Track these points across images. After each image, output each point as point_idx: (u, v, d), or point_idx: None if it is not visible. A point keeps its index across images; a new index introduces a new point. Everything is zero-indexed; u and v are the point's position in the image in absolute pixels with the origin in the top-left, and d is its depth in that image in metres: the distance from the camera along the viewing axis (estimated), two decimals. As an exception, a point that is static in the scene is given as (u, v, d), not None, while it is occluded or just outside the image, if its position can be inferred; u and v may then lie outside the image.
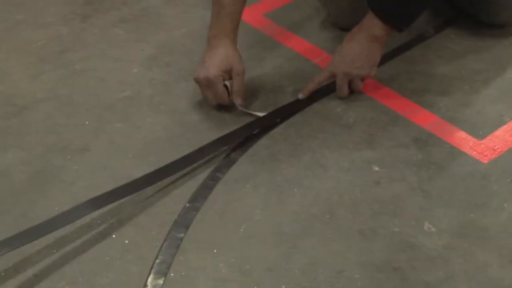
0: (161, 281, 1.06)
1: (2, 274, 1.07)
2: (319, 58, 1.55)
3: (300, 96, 1.41)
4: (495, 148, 1.29)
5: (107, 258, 1.10)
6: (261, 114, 1.37)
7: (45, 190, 1.23)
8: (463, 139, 1.32)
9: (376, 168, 1.26)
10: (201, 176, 1.25)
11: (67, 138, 1.34)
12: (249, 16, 1.71)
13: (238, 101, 1.36)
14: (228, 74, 1.34)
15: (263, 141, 1.33)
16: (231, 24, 1.34)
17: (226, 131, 1.34)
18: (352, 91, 1.41)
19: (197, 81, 1.36)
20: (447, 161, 1.27)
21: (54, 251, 1.11)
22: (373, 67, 1.38)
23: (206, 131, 1.35)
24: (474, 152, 1.29)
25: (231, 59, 1.34)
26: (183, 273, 1.07)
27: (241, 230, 1.14)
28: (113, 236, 1.14)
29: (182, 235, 1.13)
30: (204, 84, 1.34)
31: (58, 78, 1.52)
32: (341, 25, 1.62)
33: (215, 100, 1.36)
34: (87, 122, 1.38)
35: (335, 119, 1.37)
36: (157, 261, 1.09)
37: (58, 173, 1.26)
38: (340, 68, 1.38)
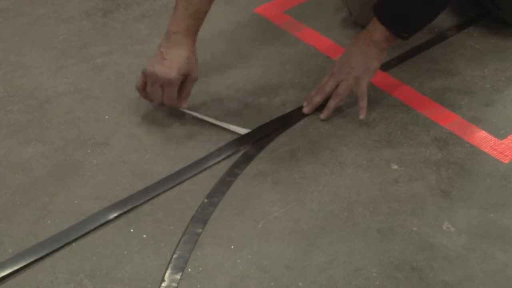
0: (178, 276, 1.06)
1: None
2: (339, 55, 1.54)
3: (306, 111, 1.38)
4: (516, 148, 1.28)
5: (125, 252, 1.10)
6: (208, 119, 1.35)
7: (65, 184, 1.24)
8: (483, 139, 1.30)
9: (395, 167, 1.25)
10: (220, 172, 1.25)
11: (87, 132, 1.35)
12: (269, 12, 1.71)
13: (184, 105, 1.34)
14: (183, 77, 1.30)
15: (282, 138, 1.33)
16: (196, 23, 1.29)
17: (244, 127, 1.34)
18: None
19: (150, 75, 1.29)
20: (467, 161, 1.26)
21: (73, 244, 1.12)
22: (367, 72, 1.33)
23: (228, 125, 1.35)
24: (495, 152, 1.27)
25: (192, 65, 1.30)
26: (200, 269, 1.07)
27: (259, 226, 1.14)
28: (131, 230, 1.14)
29: (200, 230, 1.14)
30: (160, 82, 1.28)
31: (79, 72, 1.53)
32: (362, 24, 1.61)
33: (162, 99, 1.31)
34: (107, 117, 1.39)
35: (354, 117, 1.36)
36: (175, 256, 1.09)
37: (78, 166, 1.27)
38: (335, 66, 1.36)
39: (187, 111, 1.36)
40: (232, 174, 1.25)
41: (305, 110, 1.37)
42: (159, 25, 1.69)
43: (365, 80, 1.33)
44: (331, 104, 1.35)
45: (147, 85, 1.31)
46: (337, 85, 1.34)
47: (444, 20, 1.63)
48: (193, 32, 1.30)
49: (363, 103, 1.33)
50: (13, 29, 1.69)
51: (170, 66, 1.27)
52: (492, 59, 1.51)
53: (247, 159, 1.28)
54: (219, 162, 1.27)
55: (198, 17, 1.29)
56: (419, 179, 1.22)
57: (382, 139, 1.31)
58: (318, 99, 1.36)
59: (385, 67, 1.47)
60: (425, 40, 1.57)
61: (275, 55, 1.55)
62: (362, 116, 1.33)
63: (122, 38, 1.65)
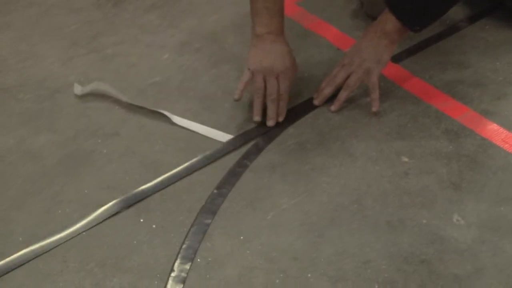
0: (187, 266, 1.06)
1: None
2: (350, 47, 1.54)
3: (316, 102, 1.37)
4: (528, 141, 1.27)
5: (135, 242, 1.11)
6: (194, 127, 1.33)
7: (75, 173, 1.24)
8: (495, 132, 1.30)
9: (405, 159, 1.25)
10: (229, 163, 1.25)
11: (98, 122, 1.36)
12: (280, 3, 1.70)
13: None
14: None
15: (291, 130, 1.32)
16: (282, 20, 1.31)
17: (254, 119, 1.34)
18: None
19: (266, 68, 1.28)
20: (478, 154, 1.25)
21: (84, 233, 1.12)
22: (378, 63, 1.32)
23: (236, 118, 1.35)
24: (506, 145, 1.27)
25: (294, 59, 1.33)
26: (209, 259, 1.08)
27: (268, 218, 1.14)
28: (141, 220, 1.15)
29: (209, 221, 1.14)
30: (275, 73, 1.28)
31: (90, 62, 1.53)
32: (374, 15, 1.60)
33: (276, 93, 1.30)
34: (117, 107, 1.39)
35: (364, 108, 1.36)
36: (184, 246, 1.10)
37: (88, 156, 1.28)
38: (345, 58, 1.36)
39: (179, 118, 1.35)
40: (241, 165, 1.25)
41: (316, 102, 1.37)
42: (169, 16, 1.69)
43: (376, 71, 1.33)
44: (342, 95, 1.35)
45: (258, 81, 1.30)
46: (348, 77, 1.34)
47: (456, 12, 1.62)
48: (282, 28, 1.32)
49: (375, 95, 1.33)
50: (24, 19, 1.70)
51: (282, 58, 1.29)
52: (504, 52, 1.50)
53: (256, 150, 1.28)
54: (228, 153, 1.27)
55: (281, 13, 1.31)
56: (429, 172, 1.22)
57: (392, 131, 1.31)
58: (328, 90, 1.36)
59: (396, 59, 1.46)
60: (437, 32, 1.56)
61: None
62: (374, 108, 1.33)
63: (133, 28, 1.65)
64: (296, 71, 1.34)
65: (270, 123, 1.31)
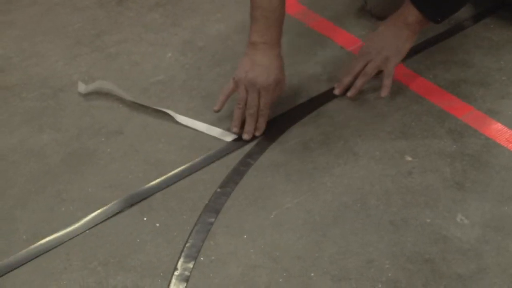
0: (191, 265, 1.06)
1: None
2: (354, 46, 1.54)
3: (337, 92, 1.39)
4: (532, 141, 1.27)
5: (138, 241, 1.11)
6: (198, 126, 1.33)
7: (79, 172, 1.24)
8: (499, 131, 1.29)
9: (409, 158, 1.25)
10: (233, 161, 1.25)
11: (101, 121, 1.36)
12: (284, 2, 1.70)
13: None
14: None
15: (295, 129, 1.32)
16: (280, 31, 1.28)
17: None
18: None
19: (249, 81, 1.26)
20: (482, 153, 1.25)
21: (87, 232, 1.12)
22: (398, 53, 1.34)
23: (239, 117, 1.35)
24: (510, 144, 1.26)
25: (283, 76, 1.30)
26: (213, 258, 1.08)
27: (272, 217, 1.14)
28: (144, 219, 1.15)
29: (213, 220, 1.14)
30: (258, 87, 1.26)
31: (93, 61, 1.53)
32: (378, 14, 1.61)
33: (255, 107, 1.28)
34: (120, 106, 1.40)
35: (368, 108, 1.36)
36: (188, 245, 1.10)
37: (91, 155, 1.28)
38: (365, 47, 1.38)
39: (182, 117, 1.35)
40: (245, 164, 1.25)
41: (336, 91, 1.39)
42: (173, 14, 1.69)
43: (394, 61, 1.34)
44: (359, 83, 1.36)
45: (240, 92, 1.28)
46: (366, 65, 1.36)
47: (460, 11, 1.61)
48: (278, 39, 1.29)
49: (388, 81, 1.34)
50: (28, 18, 1.70)
51: (267, 73, 1.26)
52: (508, 51, 1.50)
53: (260, 149, 1.28)
54: (232, 152, 1.27)
55: (279, 24, 1.28)
56: (433, 171, 1.21)
57: (396, 130, 1.31)
58: (348, 79, 1.38)
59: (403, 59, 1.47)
60: (441, 31, 1.56)
61: (289, 45, 1.54)
62: (383, 94, 1.34)
63: (136, 27, 1.65)
64: (283, 88, 1.31)
65: (245, 136, 1.29)
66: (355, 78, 1.37)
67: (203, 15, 1.68)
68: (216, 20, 1.66)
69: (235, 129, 1.30)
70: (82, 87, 1.42)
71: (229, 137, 1.30)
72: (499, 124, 1.31)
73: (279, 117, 1.34)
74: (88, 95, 1.42)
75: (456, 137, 1.28)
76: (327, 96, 1.40)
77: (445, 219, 1.13)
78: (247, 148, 1.28)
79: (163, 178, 1.22)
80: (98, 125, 1.35)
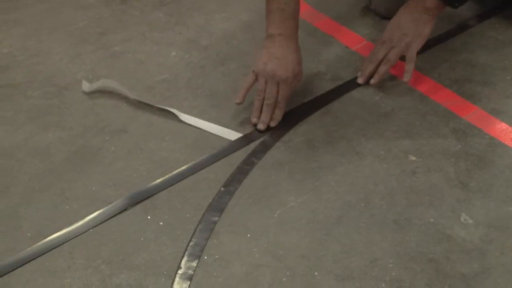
0: (194, 264, 1.06)
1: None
2: (358, 45, 1.54)
3: (360, 81, 1.41)
4: (536, 140, 1.27)
5: (142, 239, 1.11)
6: (203, 125, 1.33)
7: (83, 170, 1.24)
8: (503, 131, 1.29)
9: (413, 158, 1.24)
10: (237, 160, 1.25)
11: (106, 119, 1.36)
12: (288, 1, 1.70)
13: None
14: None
15: (299, 128, 1.32)
16: (296, 23, 1.30)
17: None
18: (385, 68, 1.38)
19: (269, 73, 1.28)
20: (486, 153, 1.25)
21: (91, 230, 1.13)
22: (419, 37, 1.35)
23: (244, 116, 1.35)
24: (515, 144, 1.26)
25: (300, 68, 1.32)
26: (216, 257, 1.08)
27: (275, 215, 1.14)
28: (148, 217, 1.15)
29: (216, 218, 1.14)
30: (277, 79, 1.28)
31: (98, 59, 1.53)
32: (382, 13, 1.60)
33: (273, 98, 1.30)
34: (125, 104, 1.40)
35: (372, 107, 1.36)
36: (191, 243, 1.10)
37: (96, 153, 1.28)
38: (385, 34, 1.38)
39: (187, 116, 1.35)
40: (249, 163, 1.25)
41: (360, 80, 1.41)
42: (177, 13, 1.69)
43: (416, 45, 1.35)
44: (382, 69, 1.38)
45: (260, 83, 1.30)
46: (388, 52, 1.37)
47: (465, 10, 1.61)
48: (295, 32, 1.31)
49: (410, 66, 1.35)
50: (33, 16, 1.70)
51: (285, 66, 1.28)
52: (513, 50, 1.50)
53: (264, 148, 1.28)
54: (236, 150, 1.27)
55: (295, 16, 1.30)
56: (437, 171, 1.21)
57: (400, 129, 1.30)
58: (370, 68, 1.39)
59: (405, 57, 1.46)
60: (446, 30, 1.56)
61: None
62: (406, 79, 1.36)
63: (141, 25, 1.65)
64: (299, 81, 1.33)
65: (260, 126, 1.31)
66: (378, 66, 1.39)
67: (208, 14, 1.68)
68: (220, 19, 1.66)
69: (255, 120, 1.32)
70: (86, 86, 1.42)
71: (233, 136, 1.30)
72: (504, 124, 1.31)
73: (284, 116, 1.34)
74: (92, 94, 1.42)
75: (460, 136, 1.28)
76: (332, 95, 1.40)
77: (449, 219, 1.13)
78: (251, 147, 1.28)
79: (167, 176, 1.22)
80: (102, 123, 1.35)
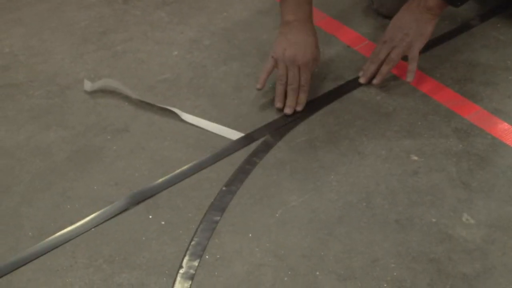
0: (196, 263, 1.06)
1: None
2: (360, 44, 1.54)
3: (362, 80, 1.41)
4: (538, 140, 1.27)
5: (144, 238, 1.11)
6: (204, 125, 1.34)
7: (85, 169, 1.24)
8: (505, 131, 1.29)
9: (415, 158, 1.24)
10: (238, 160, 1.25)
11: (107, 119, 1.36)
12: (290, 0, 1.70)
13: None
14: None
15: (301, 127, 1.32)
16: (311, 8, 1.34)
17: (266, 116, 1.34)
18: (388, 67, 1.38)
19: (289, 58, 1.31)
20: (488, 153, 1.25)
21: (93, 229, 1.13)
22: (421, 37, 1.35)
23: (245, 115, 1.35)
24: (517, 144, 1.26)
25: (318, 51, 1.35)
26: (218, 256, 1.08)
27: (277, 215, 1.14)
28: (150, 217, 1.15)
29: (218, 218, 1.14)
30: (298, 64, 1.31)
31: (100, 59, 1.53)
32: (384, 13, 1.60)
33: (297, 82, 1.33)
34: (127, 103, 1.40)
35: (374, 107, 1.36)
36: (193, 243, 1.10)
37: (97, 152, 1.28)
38: (387, 33, 1.38)
39: (188, 116, 1.35)
40: (250, 163, 1.25)
41: (362, 80, 1.41)
42: (180, 13, 1.69)
43: (418, 45, 1.35)
44: (384, 69, 1.38)
45: (281, 68, 1.33)
46: (390, 52, 1.37)
47: (467, 9, 1.61)
48: (310, 16, 1.34)
49: (412, 66, 1.35)
50: (35, 15, 1.70)
51: (304, 50, 1.31)
52: (515, 50, 1.49)
53: (266, 147, 1.28)
54: (237, 150, 1.27)
55: (309, 1, 1.34)
56: (439, 171, 1.21)
57: (402, 129, 1.30)
58: (373, 68, 1.40)
59: (407, 57, 1.46)
60: (447, 30, 1.56)
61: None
62: (409, 79, 1.36)
63: (143, 25, 1.65)
64: (318, 63, 1.36)
65: (287, 110, 1.34)
66: (380, 66, 1.39)
67: (209, 13, 1.68)
68: (222, 18, 1.66)
69: (279, 104, 1.34)
70: (88, 85, 1.42)
71: (234, 136, 1.30)
72: (506, 124, 1.30)
73: (285, 116, 1.34)
74: (94, 93, 1.42)
75: (462, 136, 1.28)
76: (333, 95, 1.39)
77: (451, 219, 1.12)
78: (253, 146, 1.28)
79: (168, 176, 1.22)
80: (104, 122, 1.35)
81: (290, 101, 1.34)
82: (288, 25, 1.33)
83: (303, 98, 1.34)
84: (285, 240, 1.10)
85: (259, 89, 1.35)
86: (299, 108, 1.34)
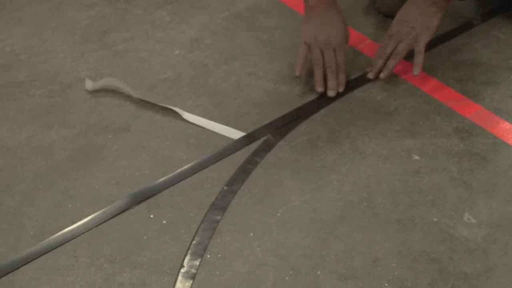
0: (197, 262, 1.07)
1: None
2: (361, 44, 1.54)
3: (371, 76, 1.42)
4: (540, 140, 1.27)
5: (145, 238, 1.11)
6: (205, 124, 1.33)
7: (86, 168, 1.25)
8: (507, 130, 1.29)
9: (416, 157, 1.24)
10: (240, 159, 1.25)
11: (109, 118, 1.36)
12: (291, 0, 1.70)
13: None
14: None
15: (302, 127, 1.32)
16: None
17: (267, 115, 1.34)
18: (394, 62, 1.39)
19: (322, 41, 1.33)
20: (489, 152, 1.24)
21: (94, 228, 1.13)
22: (427, 30, 1.35)
23: (247, 115, 1.35)
24: (518, 144, 1.26)
25: (348, 31, 1.37)
26: (219, 255, 1.08)
27: (278, 214, 1.14)
28: (151, 216, 1.15)
29: (219, 217, 1.14)
30: (333, 45, 1.34)
31: (101, 58, 1.54)
32: (385, 11, 1.60)
33: (334, 64, 1.35)
34: (128, 103, 1.40)
35: (375, 106, 1.36)
36: (194, 242, 1.10)
37: (99, 152, 1.28)
38: (393, 28, 1.38)
39: (189, 115, 1.35)
40: (252, 162, 1.25)
41: (370, 75, 1.42)
42: (181, 12, 1.69)
43: (424, 38, 1.35)
44: (391, 63, 1.38)
45: (316, 53, 1.35)
46: (396, 45, 1.38)
47: (468, 9, 1.61)
48: (334, 0, 1.36)
49: (419, 59, 1.36)
50: (36, 14, 1.70)
51: (336, 31, 1.34)
52: (516, 50, 1.49)
53: (267, 147, 1.28)
54: (239, 149, 1.27)
55: None
56: (440, 170, 1.21)
57: (403, 129, 1.30)
58: (380, 62, 1.40)
59: (408, 56, 1.46)
60: (449, 29, 1.55)
61: (297, 44, 1.53)
62: (416, 72, 1.36)
63: (144, 24, 1.65)
64: (348, 41, 1.38)
65: (331, 93, 1.36)
66: (387, 60, 1.40)
67: (211, 12, 1.68)
68: (223, 17, 1.66)
69: (320, 89, 1.36)
70: (89, 84, 1.42)
71: (236, 135, 1.30)
72: (507, 123, 1.30)
73: (287, 115, 1.34)
74: (95, 92, 1.43)
75: (463, 136, 1.28)
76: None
77: (452, 218, 1.12)
78: (254, 146, 1.28)
79: (169, 175, 1.22)
80: (105, 122, 1.35)
81: (331, 83, 1.35)
82: (313, 10, 1.35)
83: (343, 78, 1.36)
84: (286, 239, 1.10)
85: (298, 76, 1.36)
86: (341, 89, 1.36)
